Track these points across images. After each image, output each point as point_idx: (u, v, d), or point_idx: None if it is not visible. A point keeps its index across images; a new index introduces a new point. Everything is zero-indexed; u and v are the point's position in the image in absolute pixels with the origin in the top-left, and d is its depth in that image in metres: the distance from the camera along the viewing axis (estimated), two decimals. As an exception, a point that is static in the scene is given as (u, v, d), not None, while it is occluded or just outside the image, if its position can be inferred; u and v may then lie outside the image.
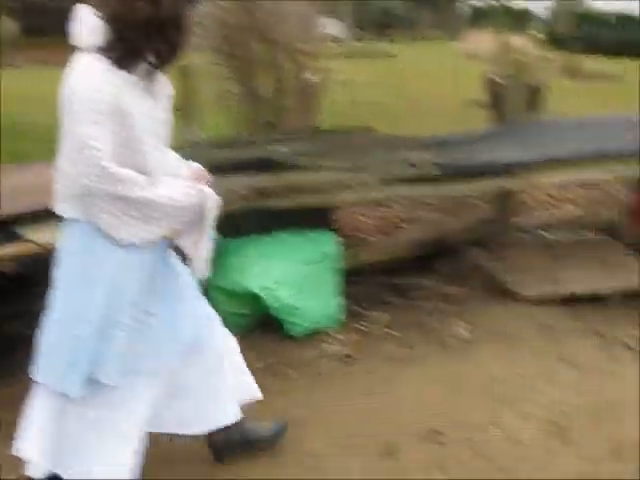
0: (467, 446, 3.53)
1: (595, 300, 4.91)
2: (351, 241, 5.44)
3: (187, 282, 2.97)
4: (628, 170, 5.21)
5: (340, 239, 4.82)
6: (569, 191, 7.42)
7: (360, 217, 6.52)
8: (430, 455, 3.48)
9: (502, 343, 4.43)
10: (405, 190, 4.86)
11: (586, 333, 4.60)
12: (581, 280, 5.10)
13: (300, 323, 4.45)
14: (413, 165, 4.76)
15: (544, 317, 4.72)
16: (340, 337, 4.48)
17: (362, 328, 4.60)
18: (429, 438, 3.60)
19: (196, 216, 2.79)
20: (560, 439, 3.62)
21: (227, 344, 3.18)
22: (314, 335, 4.48)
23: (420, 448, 3.53)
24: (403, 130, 6.37)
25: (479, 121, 6.88)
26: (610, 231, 6.05)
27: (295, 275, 4.49)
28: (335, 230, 4.91)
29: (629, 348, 4.46)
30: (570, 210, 6.87)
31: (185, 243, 2.89)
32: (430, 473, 3.36)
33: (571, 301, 4.88)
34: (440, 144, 5.36)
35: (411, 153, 5.01)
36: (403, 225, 6.31)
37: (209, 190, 2.83)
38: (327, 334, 4.51)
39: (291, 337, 4.44)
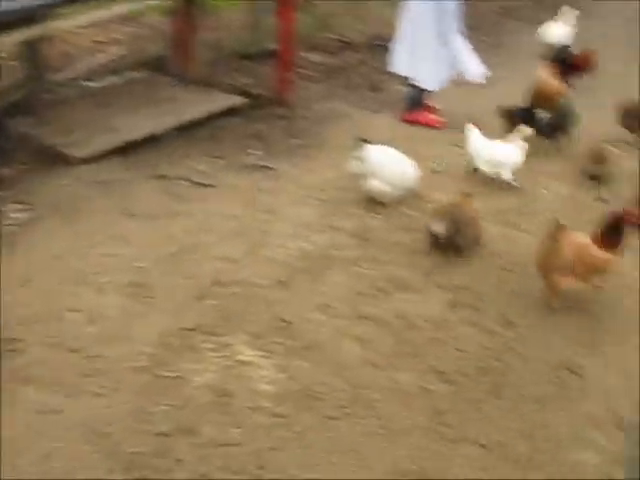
0: (48, 345, 3.14)
1: (152, 141, 4.68)
2: None
3: None
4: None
5: None
6: (113, 31, 6.92)
7: None
8: (12, 369, 3.02)
9: (63, 215, 4.00)
10: None
11: (147, 179, 4.37)
12: (135, 125, 4.80)
13: None
14: None
15: (102, 174, 4.36)
16: None
17: None
18: (4, 350, 3.13)
19: None
20: (142, 300, 3.41)
21: None
22: None
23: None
24: None
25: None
26: (157, 66, 5.79)
27: None
28: None
29: (193, 183, 4.35)
30: (114, 52, 6.42)
31: None
32: (16, 390, 2.92)
33: (128, 149, 4.58)
34: None
35: None
36: None
37: None
38: None
39: None
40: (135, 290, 3.47)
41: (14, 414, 2.81)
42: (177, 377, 3.00)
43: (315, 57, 6.42)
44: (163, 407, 2.87)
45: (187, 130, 4.80)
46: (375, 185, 4.12)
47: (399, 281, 3.61)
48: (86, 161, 4.44)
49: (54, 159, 4.50)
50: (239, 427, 2.80)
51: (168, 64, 5.71)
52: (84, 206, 4.08)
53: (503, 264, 3.79)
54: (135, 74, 5.69)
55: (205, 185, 4.34)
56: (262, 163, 4.60)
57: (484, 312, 3.45)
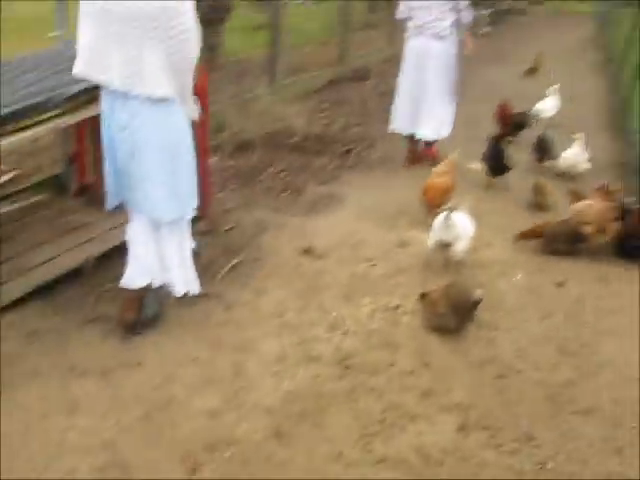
0: None
1: (73, 276, 4.07)
2: None
3: None
4: (61, 120, 4.16)
5: None
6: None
7: None
8: None
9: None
10: None
11: (80, 325, 3.74)
12: (50, 260, 4.14)
13: None
14: None
15: (28, 324, 3.69)
16: None
17: None
18: None
19: None
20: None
21: None
22: None
23: None
24: None
25: None
26: (58, 186, 5.10)
27: None
28: None
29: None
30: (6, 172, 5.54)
31: None
32: None
33: (47, 289, 3.94)
34: None
35: None
36: None
37: None
38: None
39: None
40: (112, 472, 2.84)
41: None
42: None
43: (216, 162, 6.00)
44: None
45: (109, 258, 4.21)
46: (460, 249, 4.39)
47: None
48: (4, 310, 3.74)
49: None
50: None
51: (69, 183, 5.06)
52: (20, 367, 3.39)
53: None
54: (31, 199, 4.98)
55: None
56: (207, 290, 4.04)
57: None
